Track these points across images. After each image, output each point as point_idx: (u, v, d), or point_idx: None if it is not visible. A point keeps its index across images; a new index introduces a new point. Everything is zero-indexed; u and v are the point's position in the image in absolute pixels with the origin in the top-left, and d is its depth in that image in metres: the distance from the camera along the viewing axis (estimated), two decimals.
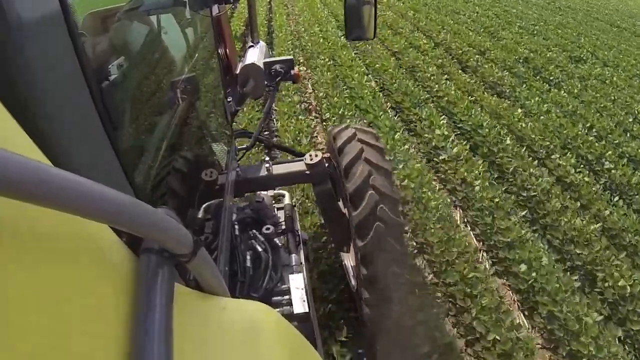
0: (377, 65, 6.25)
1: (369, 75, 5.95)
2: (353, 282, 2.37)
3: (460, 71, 6.43)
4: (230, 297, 0.58)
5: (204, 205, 1.28)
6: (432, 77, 5.84)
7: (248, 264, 1.60)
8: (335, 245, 2.69)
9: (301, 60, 6.81)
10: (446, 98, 5.33)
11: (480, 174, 3.98)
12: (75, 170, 0.32)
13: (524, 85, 6.19)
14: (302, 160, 2.21)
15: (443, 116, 5.03)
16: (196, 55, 1.50)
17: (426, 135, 4.54)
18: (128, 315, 0.39)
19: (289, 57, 2.30)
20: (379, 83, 5.93)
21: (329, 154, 2.29)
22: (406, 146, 4.16)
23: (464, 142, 4.52)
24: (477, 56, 6.99)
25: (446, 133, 4.53)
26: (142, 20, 1.04)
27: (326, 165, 2.21)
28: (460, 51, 7.19)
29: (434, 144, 4.40)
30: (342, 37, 7.53)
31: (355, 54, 7.10)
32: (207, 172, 1.37)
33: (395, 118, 5.11)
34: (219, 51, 1.94)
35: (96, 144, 0.57)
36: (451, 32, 8.37)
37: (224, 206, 1.41)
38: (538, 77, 6.71)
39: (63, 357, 0.32)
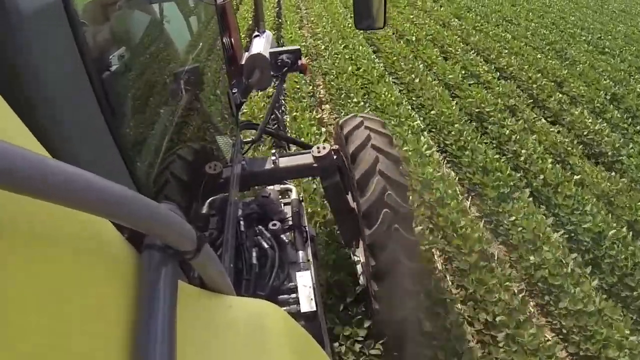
0: (433, 112, 4.59)
1: (426, 132, 4.29)
2: (362, 279, 2.25)
3: (543, 121, 4.77)
4: (235, 295, 0.56)
5: (208, 200, 1.23)
6: (513, 138, 4.20)
7: (254, 261, 1.56)
8: (344, 241, 2.56)
9: (324, 98, 5.13)
10: (542, 176, 3.71)
11: (625, 340, 2.43)
12: (78, 165, 0.30)
13: (630, 146, 4.55)
14: (310, 152, 2.10)
15: (546, 213, 3.41)
16: (200, 45, 1.45)
17: (531, 258, 2.94)
18: (130, 314, 0.37)
19: (295, 47, 2.33)
20: (439, 142, 4.26)
21: (337, 146, 2.19)
22: (512, 294, 2.55)
23: (587, 268, 2.94)
24: (558, 94, 5.31)
25: (560, 257, 2.93)
26: (144, 9, 0.99)
27: (334, 157, 2.11)
28: (534, 84, 5.51)
29: (543, 274, 2.82)
30: (378, 62, 5.82)
31: (394, 83, 5.41)
32: (212, 166, 1.32)
33: (474, 210, 3.51)
34: (224, 41, 1.90)
35: (98, 139, 0.56)
36: (513, 53, 6.65)
37: (229, 201, 1.37)
38: (638, 127, 5.09)
39: (63, 357, 0.31)
